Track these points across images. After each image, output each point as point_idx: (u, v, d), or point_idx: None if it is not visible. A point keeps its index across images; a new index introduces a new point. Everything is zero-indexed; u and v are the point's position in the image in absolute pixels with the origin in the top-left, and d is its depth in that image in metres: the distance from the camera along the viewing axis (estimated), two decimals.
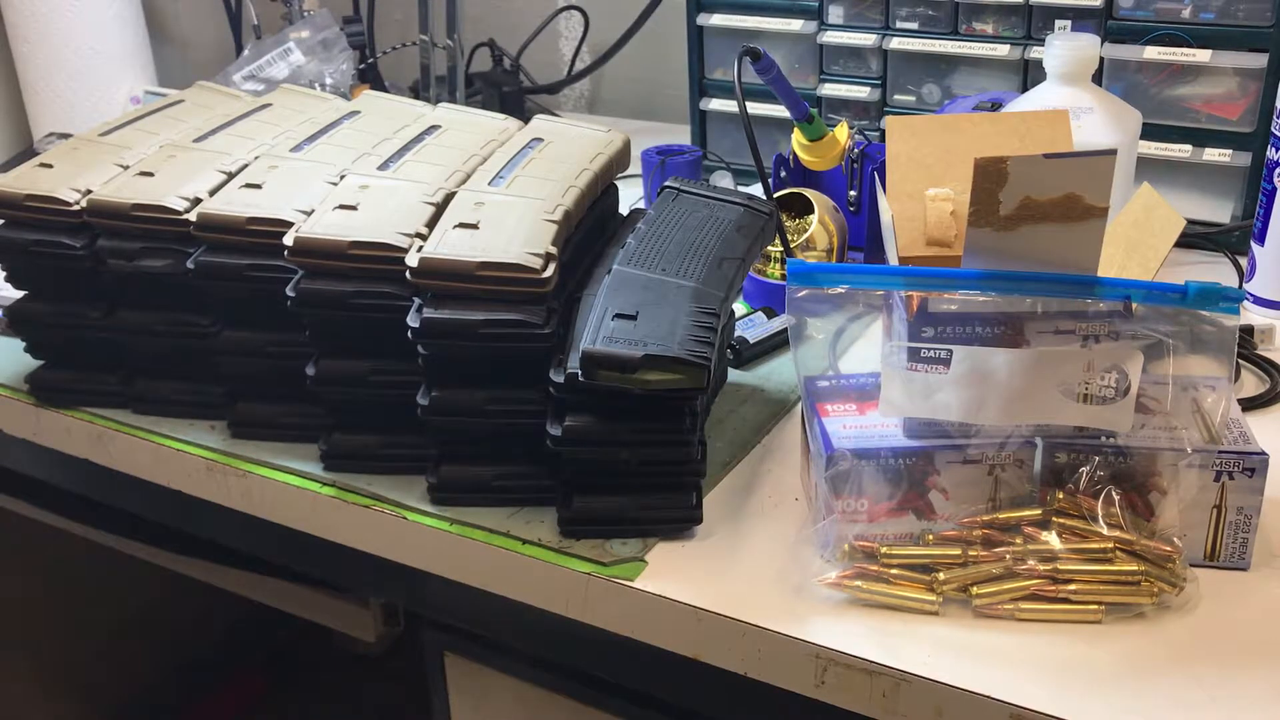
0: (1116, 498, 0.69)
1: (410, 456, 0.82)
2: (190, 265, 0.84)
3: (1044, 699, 0.62)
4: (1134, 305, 0.69)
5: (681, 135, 1.42)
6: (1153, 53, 1.12)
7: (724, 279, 0.78)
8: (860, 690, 0.66)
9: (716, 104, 1.38)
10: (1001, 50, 1.20)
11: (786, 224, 1.05)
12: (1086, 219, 0.67)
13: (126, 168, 0.91)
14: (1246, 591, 0.70)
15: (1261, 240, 1.02)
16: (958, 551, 0.70)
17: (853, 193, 1.14)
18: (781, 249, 1.00)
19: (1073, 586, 0.67)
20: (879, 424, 0.73)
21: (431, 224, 0.80)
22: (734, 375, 0.96)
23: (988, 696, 0.63)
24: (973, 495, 0.71)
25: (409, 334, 0.75)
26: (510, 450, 0.79)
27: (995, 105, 1.11)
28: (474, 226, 0.78)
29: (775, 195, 1.06)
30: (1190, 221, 0.89)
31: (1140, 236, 0.79)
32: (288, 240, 0.78)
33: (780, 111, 1.12)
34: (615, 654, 0.76)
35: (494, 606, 0.79)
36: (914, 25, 1.24)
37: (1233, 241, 1.13)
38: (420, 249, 0.76)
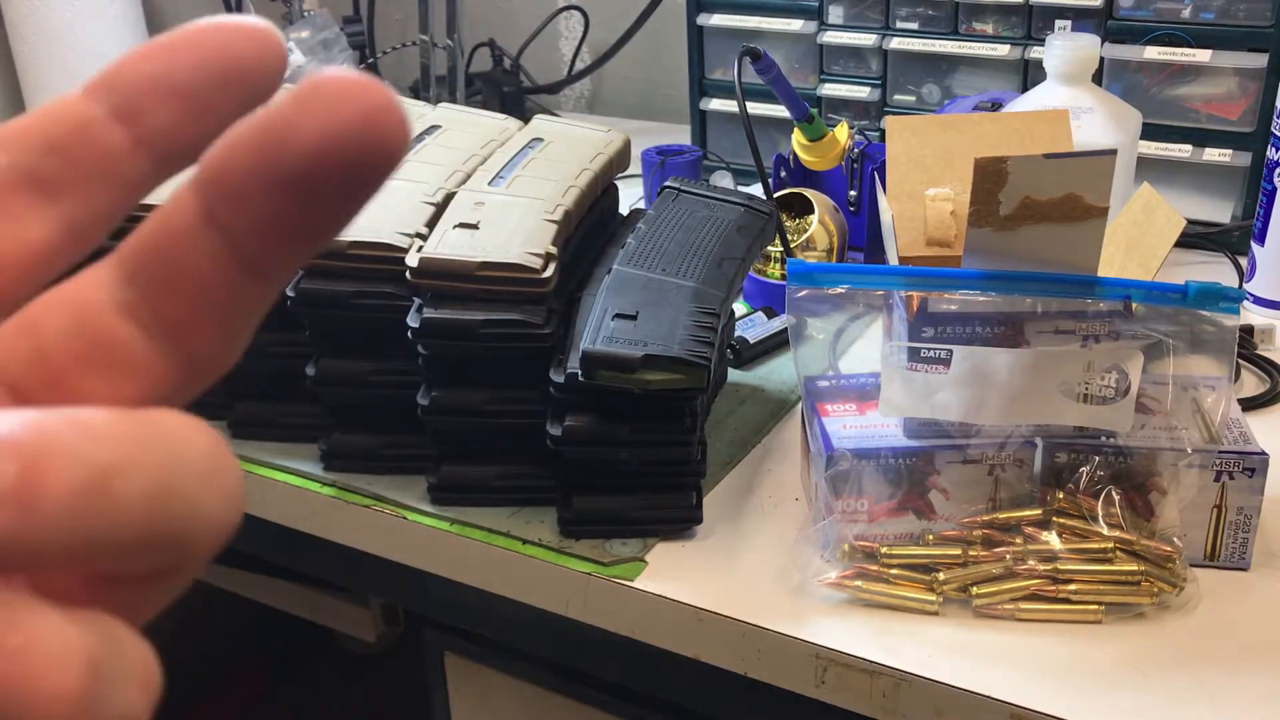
0: (1116, 498, 0.69)
1: (410, 456, 0.82)
2: None
3: (1044, 699, 0.62)
4: (1134, 305, 0.69)
5: (681, 135, 1.41)
6: (1153, 53, 1.12)
7: (724, 279, 0.78)
8: (860, 690, 0.66)
9: (716, 104, 1.38)
10: (1001, 50, 1.20)
11: (786, 224, 1.05)
12: (1086, 219, 0.67)
13: None
14: (1246, 591, 0.70)
15: (1261, 240, 1.02)
16: (958, 551, 0.70)
17: (853, 193, 1.13)
18: (781, 249, 1.00)
19: (1073, 586, 0.67)
20: (879, 424, 0.73)
21: (431, 224, 0.80)
22: (734, 375, 0.95)
23: (988, 696, 0.63)
24: (973, 495, 0.71)
25: (409, 334, 0.75)
26: (510, 450, 0.79)
27: (995, 105, 1.11)
28: (474, 226, 0.78)
29: (775, 195, 1.05)
30: (1190, 221, 0.89)
31: (1140, 236, 0.79)
32: None
33: (780, 111, 1.11)
34: (615, 654, 0.76)
35: (494, 606, 0.79)
36: (914, 25, 1.24)
37: (1233, 241, 1.13)
38: (420, 249, 0.76)
